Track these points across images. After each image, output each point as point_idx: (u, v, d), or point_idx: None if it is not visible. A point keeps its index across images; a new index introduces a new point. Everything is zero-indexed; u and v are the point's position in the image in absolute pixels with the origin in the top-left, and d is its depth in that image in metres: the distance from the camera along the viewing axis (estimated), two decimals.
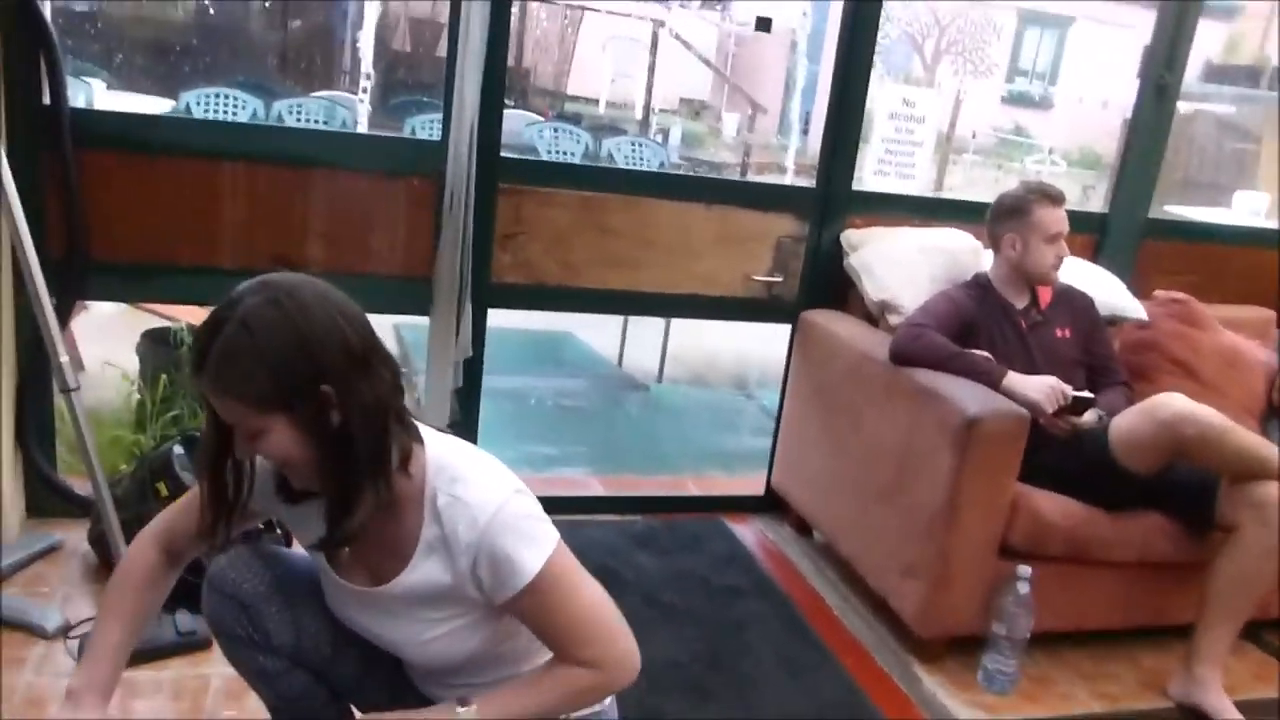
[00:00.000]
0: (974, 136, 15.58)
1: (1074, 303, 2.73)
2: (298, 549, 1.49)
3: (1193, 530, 2.44)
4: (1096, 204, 3.39)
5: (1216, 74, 13.01)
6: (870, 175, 3.20)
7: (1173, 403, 2.32)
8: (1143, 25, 3.30)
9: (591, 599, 1.28)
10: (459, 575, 1.25)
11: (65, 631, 2.13)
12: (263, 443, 1.17)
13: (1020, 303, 2.65)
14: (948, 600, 2.35)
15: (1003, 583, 2.31)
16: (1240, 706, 2.33)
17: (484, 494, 1.24)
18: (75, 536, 2.44)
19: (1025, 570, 2.27)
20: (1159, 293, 3.13)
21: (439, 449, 1.28)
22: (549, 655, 1.35)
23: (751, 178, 10.37)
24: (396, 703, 1.41)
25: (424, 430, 1.30)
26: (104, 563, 2.33)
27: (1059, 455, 2.44)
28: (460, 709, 1.23)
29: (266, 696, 1.47)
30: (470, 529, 1.22)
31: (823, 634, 2.51)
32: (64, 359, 2.05)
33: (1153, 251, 3.37)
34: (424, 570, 1.27)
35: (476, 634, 1.32)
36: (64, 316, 2.27)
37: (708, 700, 2.18)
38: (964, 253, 2.88)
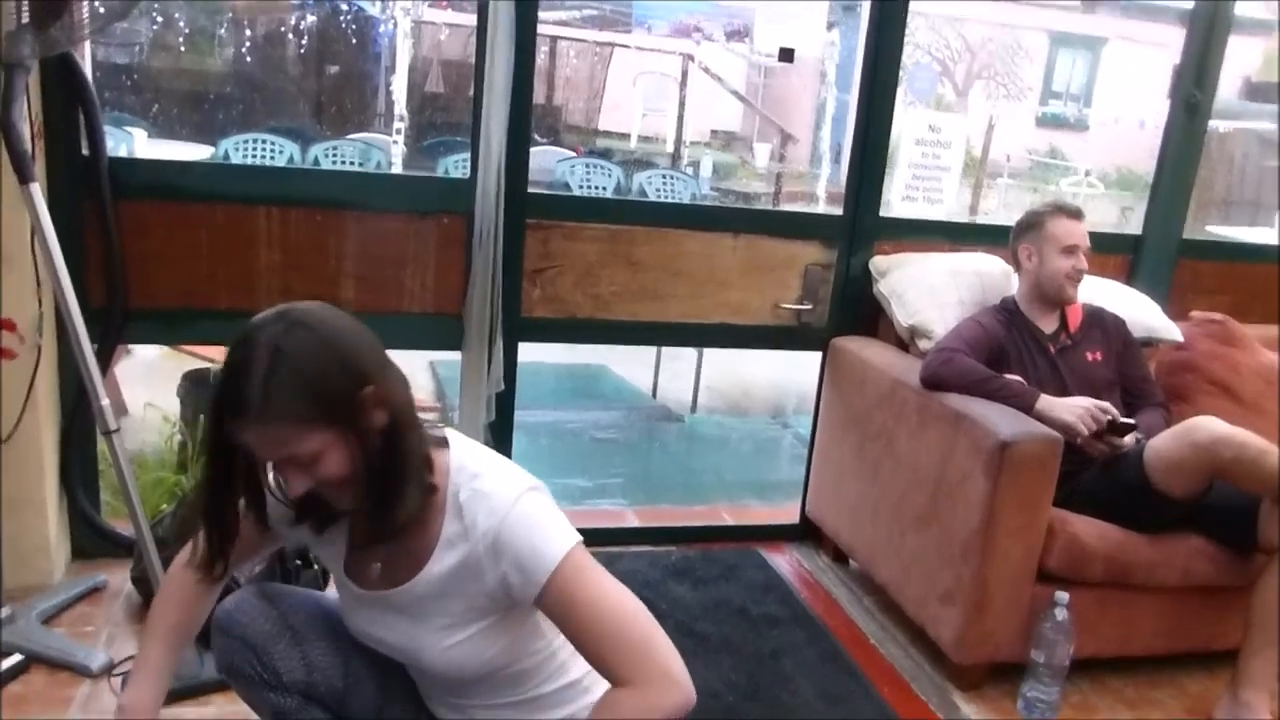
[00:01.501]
0: (1008, 160, 15.49)
1: (1105, 324, 2.71)
2: (305, 590, 1.51)
3: (1234, 552, 2.41)
4: (1135, 225, 3.37)
5: (1255, 91, 12.84)
6: (898, 201, 3.20)
7: (1209, 426, 2.28)
8: (1175, 43, 3.29)
9: (623, 602, 1.25)
10: (480, 569, 1.25)
11: (109, 670, 2.17)
12: (319, 468, 1.17)
13: (1049, 326, 2.63)
14: (985, 627, 2.33)
15: (1041, 608, 2.29)
16: None
17: (503, 486, 1.27)
18: (119, 577, 2.49)
19: (1063, 596, 2.25)
20: (1195, 313, 3.10)
21: (461, 451, 1.31)
22: (570, 680, 1.36)
23: (784, 207, 10.39)
24: None
25: (449, 433, 1.33)
26: (146, 602, 2.37)
27: (1095, 479, 2.42)
28: None
29: None
30: (490, 518, 1.24)
31: (860, 662, 2.49)
32: (105, 402, 2.09)
33: (1189, 272, 3.34)
34: (445, 564, 1.27)
35: (496, 641, 1.31)
36: (105, 362, 2.33)
37: None
38: (994, 276, 2.87)
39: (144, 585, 2.33)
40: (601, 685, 1.42)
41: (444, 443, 1.31)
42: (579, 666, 1.42)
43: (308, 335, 1.16)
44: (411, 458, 1.23)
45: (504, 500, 1.25)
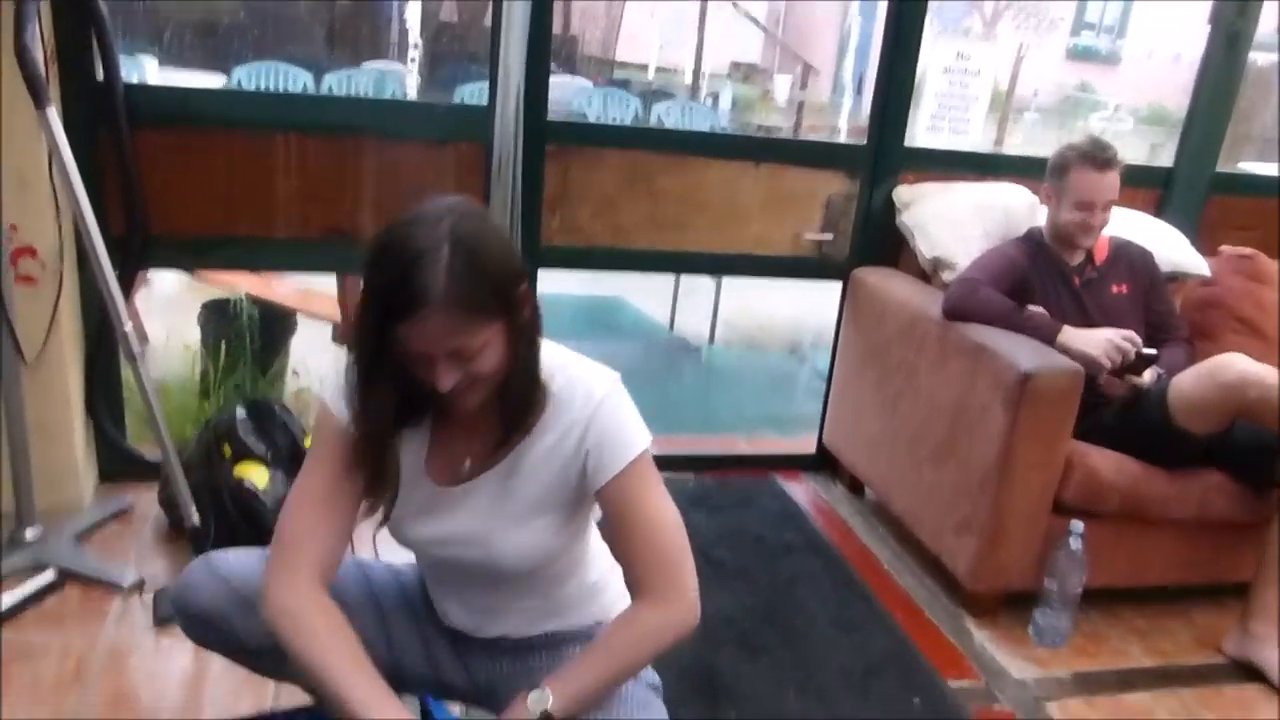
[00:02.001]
0: (1035, 94, 15.20)
1: (1131, 258, 2.68)
2: (244, 551, 1.43)
3: (1252, 489, 2.41)
4: (1164, 163, 3.30)
5: None
6: (923, 132, 3.15)
7: (1235, 365, 2.26)
8: None
9: (673, 515, 1.29)
10: (565, 454, 1.27)
11: (140, 588, 2.22)
12: (477, 361, 1.16)
13: (1074, 259, 2.60)
14: (1000, 556, 2.35)
15: (1056, 539, 2.31)
16: None
17: (595, 374, 1.29)
18: (146, 500, 2.54)
19: (1078, 526, 2.26)
20: (1224, 248, 3.05)
21: (547, 345, 1.31)
22: (590, 580, 1.39)
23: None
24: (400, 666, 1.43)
25: None
26: (174, 524, 2.42)
27: (1117, 414, 2.41)
28: (531, 697, 1.21)
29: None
30: (586, 403, 1.26)
31: (874, 589, 2.53)
32: (128, 327, 2.11)
33: (1220, 207, 3.29)
34: (534, 450, 1.28)
35: (560, 533, 1.33)
36: (126, 288, 2.34)
37: (760, 654, 2.21)
38: (1019, 209, 2.84)
39: (171, 508, 2.38)
40: (613, 587, 1.44)
41: None
42: (597, 568, 1.46)
43: (483, 226, 1.17)
44: (539, 347, 1.25)
45: (600, 387, 1.27)
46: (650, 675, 1.41)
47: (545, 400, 1.25)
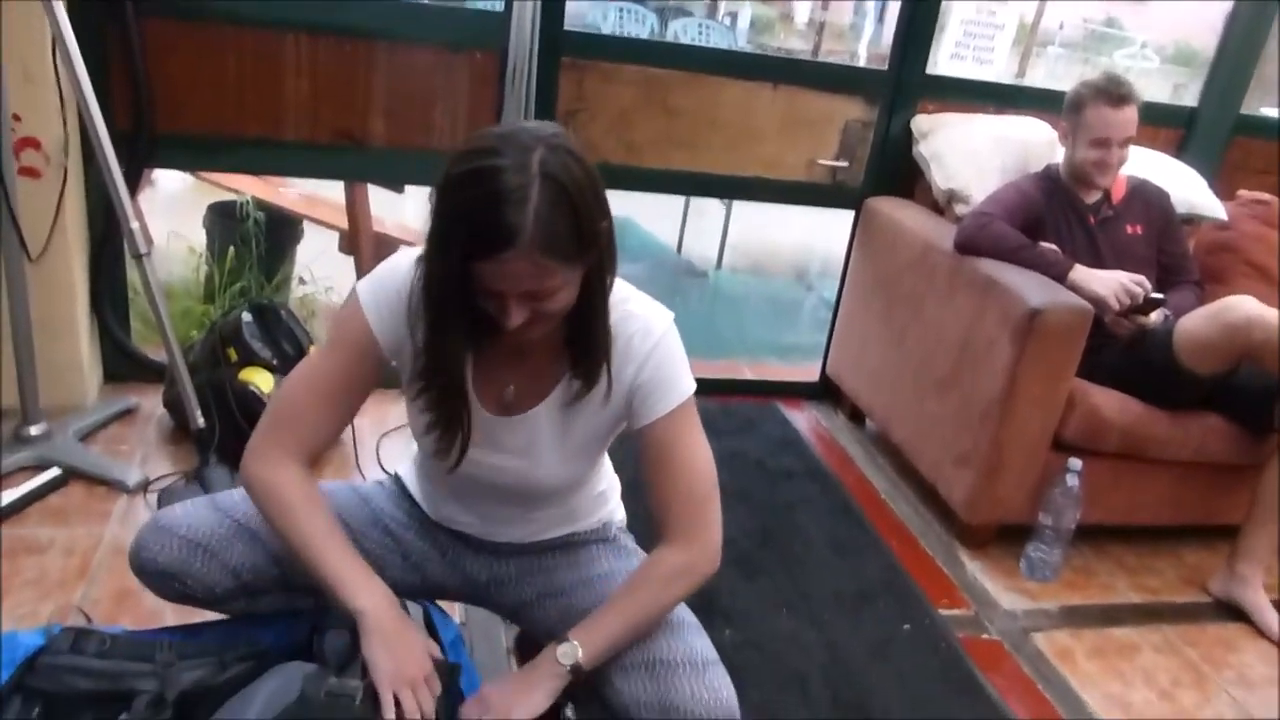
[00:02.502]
0: (1060, 28, 14.86)
1: (1148, 198, 2.65)
2: (190, 503, 1.40)
3: (1250, 433, 2.43)
4: (1188, 102, 3.24)
5: None
6: (946, 60, 3.09)
7: (1242, 306, 2.26)
8: None
9: (709, 461, 1.30)
10: (617, 389, 1.26)
11: (145, 487, 2.25)
12: (550, 301, 1.12)
13: (1090, 197, 2.58)
14: (997, 489, 2.38)
15: (1053, 474, 2.33)
16: (1277, 605, 2.36)
17: (657, 311, 1.28)
18: (150, 400, 2.56)
19: (1076, 463, 2.28)
20: (1242, 193, 3.02)
21: None
22: (597, 490, 1.40)
23: None
24: None
25: None
26: (178, 424, 2.44)
27: (1121, 353, 2.41)
28: (560, 651, 1.22)
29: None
30: (645, 339, 1.24)
31: (871, 517, 2.56)
32: (134, 225, 2.09)
33: (1241, 150, 3.25)
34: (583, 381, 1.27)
35: (595, 456, 1.35)
36: (132, 185, 2.32)
37: (756, 576, 2.24)
38: (1039, 144, 2.79)
39: (176, 409, 2.39)
40: (616, 490, 1.45)
41: None
42: (605, 477, 1.49)
43: (575, 165, 1.09)
44: (609, 295, 1.21)
45: (659, 326, 1.26)
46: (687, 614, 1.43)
47: (611, 342, 1.23)
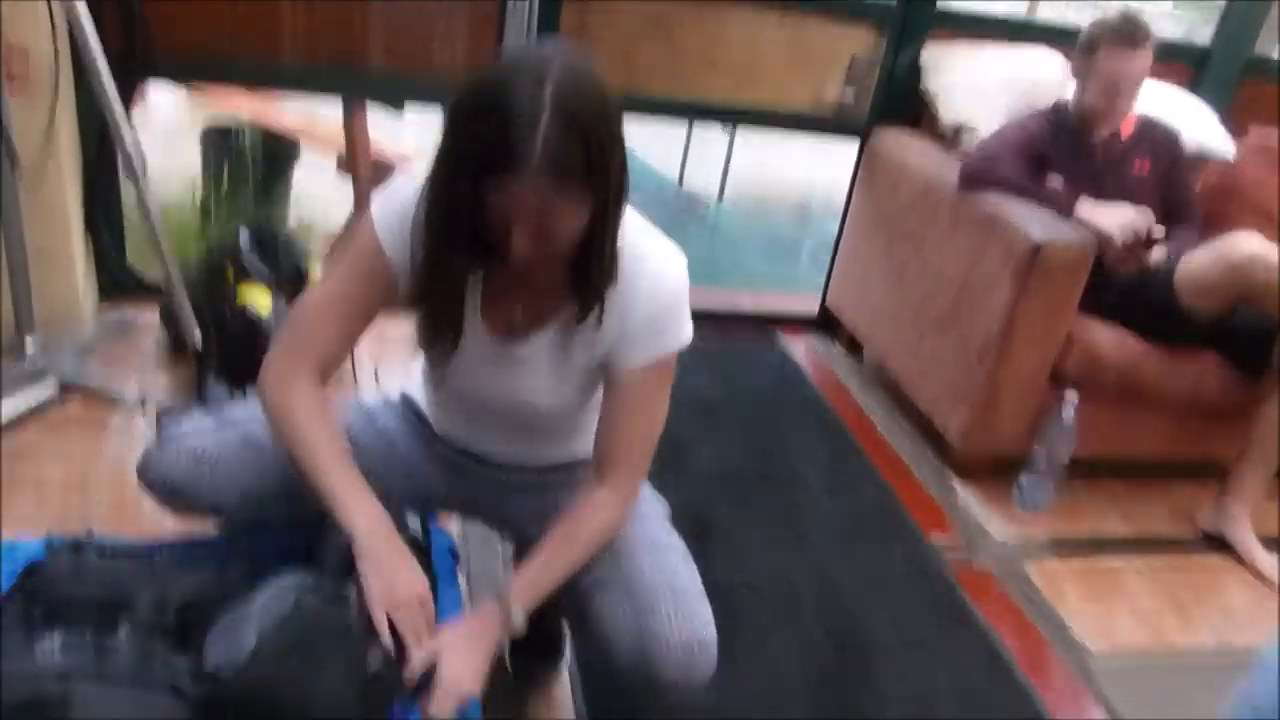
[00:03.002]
0: None
1: (1156, 138, 2.60)
2: (197, 419, 1.41)
3: (1247, 373, 2.43)
4: (1200, 42, 3.19)
5: None
6: None
7: (1246, 244, 2.25)
8: None
9: (667, 407, 1.31)
10: (615, 320, 1.25)
11: (143, 404, 2.25)
12: (558, 231, 1.11)
13: (1098, 134, 2.54)
14: (993, 422, 2.39)
15: (1049, 408, 2.34)
16: (1264, 542, 2.39)
17: (672, 256, 1.26)
18: (147, 319, 2.55)
19: (1072, 396, 2.29)
20: (1254, 130, 2.98)
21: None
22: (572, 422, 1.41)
23: None
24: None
25: None
26: (175, 342, 2.43)
27: (1122, 291, 2.41)
28: (511, 621, 1.24)
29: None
30: (656, 283, 1.24)
31: (866, 447, 2.58)
32: (130, 144, 2.07)
33: (1253, 92, 3.19)
34: (592, 316, 1.25)
35: (592, 385, 1.35)
36: (126, 103, 2.27)
37: (750, 502, 2.27)
38: (1048, 79, 2.74)
39: (173, 327, 2.38)
40: (588, 427, 1.44)
41: None
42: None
43: (593, 92, 1.07)
44: (619, 227, 1.19)
45: (672, 274, 1.25)
46: (662, 500, 1.46)
47: (617, 275, 1.21)
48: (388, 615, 1.16)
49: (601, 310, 1.23)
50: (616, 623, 1.25)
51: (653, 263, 1.24)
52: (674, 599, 1.26)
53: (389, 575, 1.19)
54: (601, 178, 1.10)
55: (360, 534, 1.20)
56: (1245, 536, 2.38)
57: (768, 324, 3.21)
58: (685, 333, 1.27)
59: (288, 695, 1.09)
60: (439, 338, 1.27)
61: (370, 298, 1.28)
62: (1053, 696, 1.86)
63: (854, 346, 3.09)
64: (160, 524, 1.74)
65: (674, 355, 1.28)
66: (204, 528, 1.44)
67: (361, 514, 1.22)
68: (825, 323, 3.21)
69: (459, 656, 1.19)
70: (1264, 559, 2.35)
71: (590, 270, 1.20)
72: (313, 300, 1.32)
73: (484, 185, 1.07)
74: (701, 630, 1.25)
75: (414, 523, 1.45)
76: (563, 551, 1.28)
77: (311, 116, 3.93)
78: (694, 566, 1.35)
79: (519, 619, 1.23)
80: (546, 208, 1.08)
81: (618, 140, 1.11)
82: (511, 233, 1.10)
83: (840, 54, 2.88)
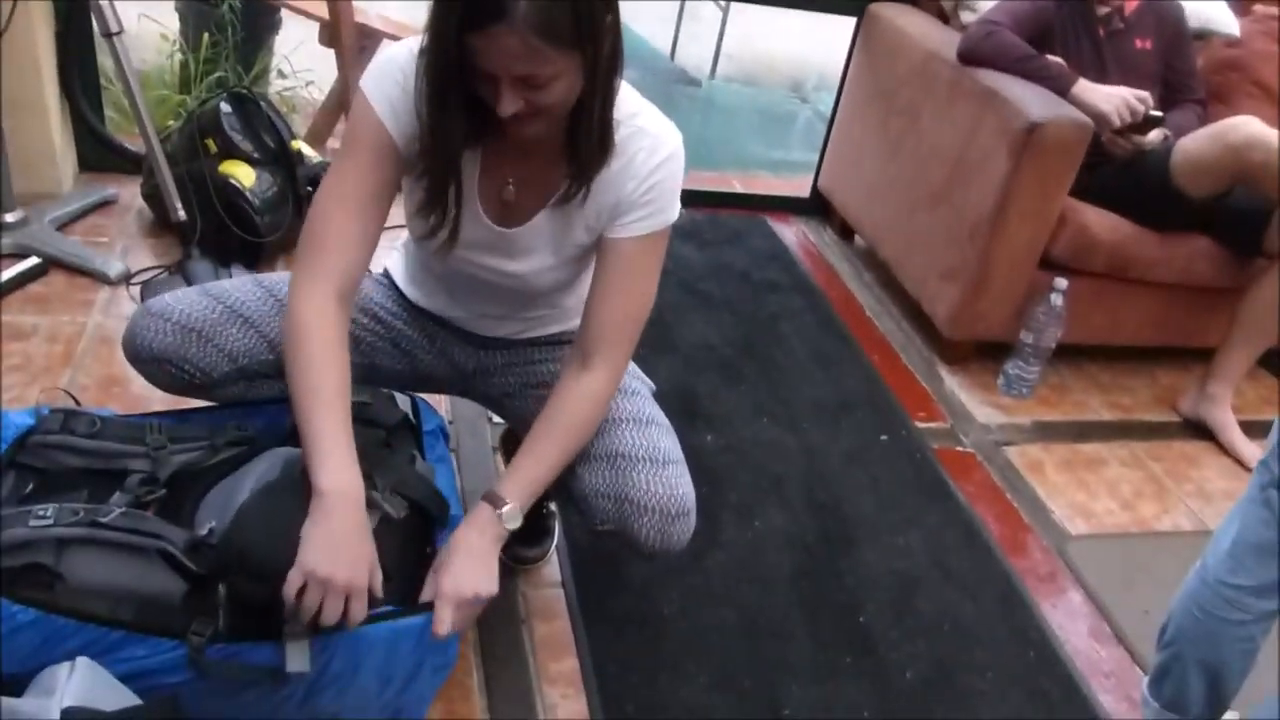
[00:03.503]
0: None
1: (1161, 12, 2.54)
2: (181, 291, 1.38)
3: (1237, 256, 2.43)
4: None
5: None
6: None
7: (1245, 126, 2.23)
8: None
9: (656, 286, 1.31)
10: (614, 200, 1.24)
11: (127, 279, 2.23)
12: (544, 92, 1.08)
13: (1102, 9, 2.47)
14: (981, 305, 2.39)
15: (1038, 293, 2.34)
16: (1243, 426, 2.43)
17: (667, 130, 1.25)
18: (129, 191, 2.49)
19: (1061, 283, 2.29)
20: (1259, 7, 2.90)
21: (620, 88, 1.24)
22: (568, 302, 1.40)
23: None
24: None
25: None
26: (158, 218, 2.39)
27: (1117, 172, 2.38)
28: (505, 513, 1.23)
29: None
30: (651, 156, 1.23)
31: (854, 331, 2.58)
32: (103, 0, 1.98)
33: None
34: (590, 193, 1.25)
35: (586, 262, 1.35)
36: None
37: (738, 381, 2.28)
38: None
39: (155, 201, 2.34)
40: (578, 299, 1.43)
41: None
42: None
43: None
44: (614, 97, 1.17)
45: (667, 146, 1.24)
46: (648, 381, 1.48)
47: (612, 150, 1.20)
48: (304, 581, 1.08)
49: (588, 188, 1.21)
50: (596, 488, 1.29)
51: (651, 138, 1.23)
52: (652, 466, 1.29)
53: (333, 552, 1.09)
54: (591, 39, 1.07)
55: (325, 493, 1.11)
56: (1225, 419, 2.42)
57: (758, 207, 3.17)
58: (675, 208, 1.27)
59: (273, 552, 1.10)
60: (435, 217, 1.23)
61: (382, 185, 1.23)
62: (1031, 575, 1.92)
63: (845, 232, 3.06)
64: (148, 399, 1.75)
65: (665, 232, 1.28)
66: (193, 406, 1.44)
67: (335, 472, 1.13)
68: (816, 207, 3.18)
69: (458, 566, 1.19)
70: (1242, 442, 2.39)
71: (586, 140, 1.17)
72: (324, 204, 1.23)
73: (471, 36, 1.04)
74: (679, 496, 1.28)
75: (404, 402, 1.45)
76: (554, 442, 1.28)
77: None
78: (676, 440, 1.37)
79: (514, 517, 1.23)
80: (532, 62, 1.05)
81: (610, 3, 1.08)
82: (500, 91, 1.08)
83: None
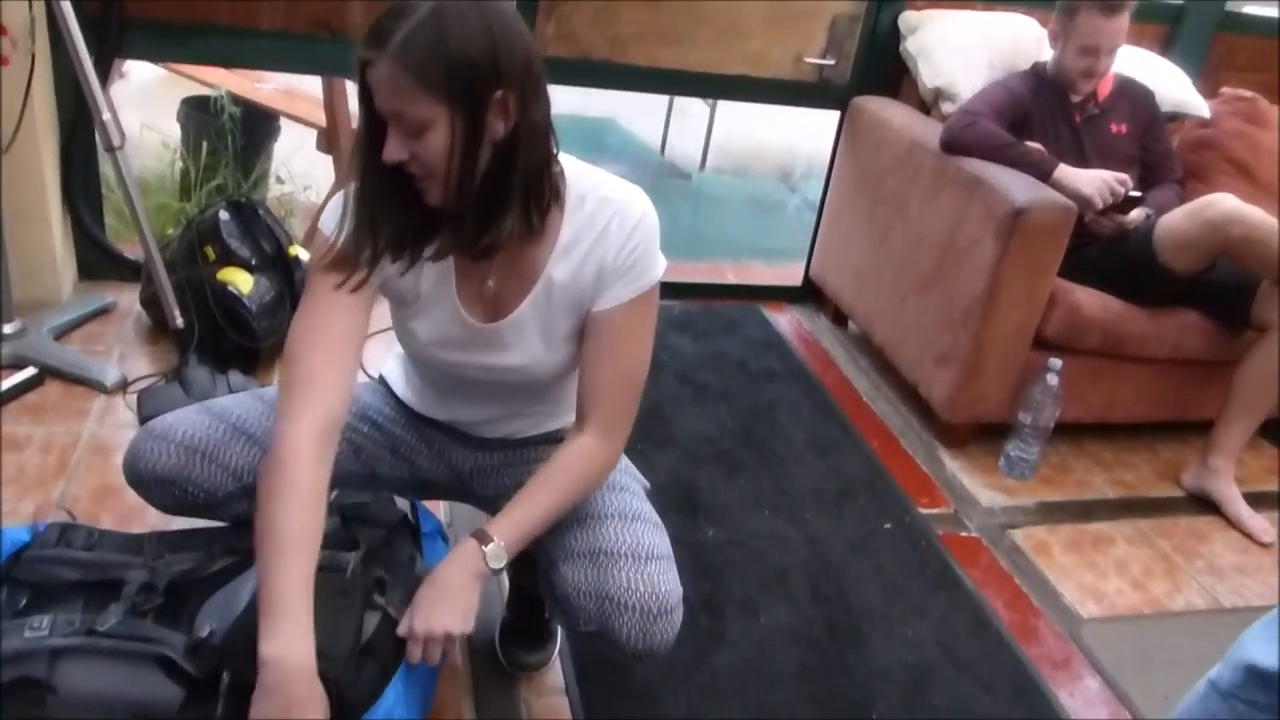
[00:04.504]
0: None
1: (1134, 96, 2.62)
2: (184, 410, 1.37)
3: (1226, 329, 2.45)
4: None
5: None
6: None
7: (1223, 203, 2.27)
8: None
9: (647, 359, 1.31)
10: (592, 275, 1.25)
11: (124, 386, 2.23)
12: (420, 142, 1.12)
13: (1076, 95, 2.54)
14: (978, 388, 2.39)
15: (1033, 373, 2.35)
16: (1248, 498, 2.42)
17: (634, 196, 1.27)
18: (127, 298, 2.51)
19: (1056, 362, 2.30)
20: (1225, 90, 3.00)
21: (574, 165, 1.28)
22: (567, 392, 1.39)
23: None
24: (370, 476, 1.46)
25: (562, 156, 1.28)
26: (156, 324, 2.40)
27: (1102, 251, 2.42)
28: (489, 553, 1.21)
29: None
30: (624, 222, 1.24)
31: (852, 417, 2.58)
32: (107, 116, 2.03)
33: (1226, 46, 3.21)
34: (562, 269, 1.26)
35: (576, 346, 1.34)
36: (103, 75, 2.24)
37: (737, 473, 2.27)
38: (1026, 41, 2.75)
39: (154, 308, 2.36)
40: (571, 395, 1.42)
41: (559, 167, 1.26)
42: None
43: (475, 13, 1.10)
44: (518, 184, 1.18)
45: (636, 208, 1.25)
46: (642, 479, 1.46)
47: (513, 231, 1.20)
48: None
49: (488, 242, 1.20)
50: (578, 586, 1.26)
51: (618, 204, 1.25)
52: (634, 563, 1.26)
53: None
54: (465, 97, 1.11)
55: (270, 664, 1.05)
56: (1230, 493, 2.41)
57: (752, 296, 3.20)
58: (658, 265, 1.28)
59: None
60: (355, 265, 1.21)
61: (354, 311, 1.23)
62: (1045, 662, 1.88)
63: (839, 317, 3.09)
64: (143, 511, 1.72)
65: (651, 291, 1.28)
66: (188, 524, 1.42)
67: (286, 637, 1.06)
68: (809, 293, 3.21)
69: (433, 602, 1.19)
70: (1248, 515, 2.38)
71: (471, 210, 1.17)
72: (300, 342, 1.22)
73: (366, 75, 1.11)
74: (661, 594, 1.24)
75: (403, 505, 1.45)
76: (546, 488, 1.27)
77: (292, 90, 3.88)
78: (663, 535, 1.34)
79: (498, 556, 1.21)
80: (401, 98, 1.10)
81: (493, 71, 1.11)
82: (386, 132, 1.14)
83: (821, 17, 2.86)
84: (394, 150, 1.13)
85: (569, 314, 1.29)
